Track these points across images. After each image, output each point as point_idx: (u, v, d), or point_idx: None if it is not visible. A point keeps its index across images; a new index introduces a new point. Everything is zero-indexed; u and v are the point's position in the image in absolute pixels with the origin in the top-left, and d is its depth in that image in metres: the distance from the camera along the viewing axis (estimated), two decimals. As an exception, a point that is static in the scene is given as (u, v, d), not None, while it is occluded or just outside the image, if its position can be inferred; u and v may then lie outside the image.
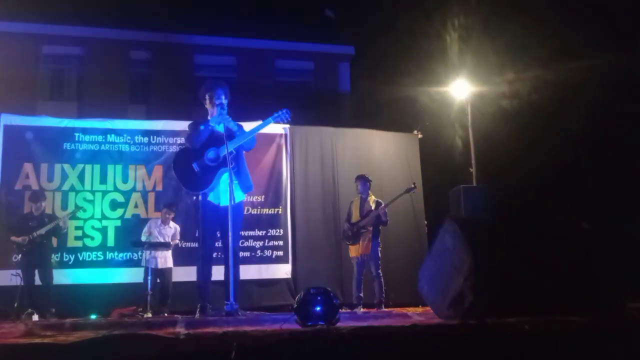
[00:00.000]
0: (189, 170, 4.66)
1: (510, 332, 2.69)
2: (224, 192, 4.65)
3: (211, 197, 4.76)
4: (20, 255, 7.01)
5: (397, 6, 17.55)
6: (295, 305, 2.81)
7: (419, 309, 6.40)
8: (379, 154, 9.18)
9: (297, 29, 16.37)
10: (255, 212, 8.47)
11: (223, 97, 4.82)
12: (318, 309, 2.72)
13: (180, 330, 2.59)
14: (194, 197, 4.87)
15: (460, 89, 11.60)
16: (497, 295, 3.25)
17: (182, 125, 8.58)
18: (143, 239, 7.37)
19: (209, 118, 4.88)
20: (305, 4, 17.27)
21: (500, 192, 10.61)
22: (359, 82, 16.80)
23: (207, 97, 4.87)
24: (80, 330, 2.88)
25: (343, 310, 4.24)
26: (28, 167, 7.80)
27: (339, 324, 2.77)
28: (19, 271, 6.87)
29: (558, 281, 3.42)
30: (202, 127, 4.73)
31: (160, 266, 7.31)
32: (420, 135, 9.65)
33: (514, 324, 2.80)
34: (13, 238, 6.91)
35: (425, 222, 9.23)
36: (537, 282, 3.38)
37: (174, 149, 8.30)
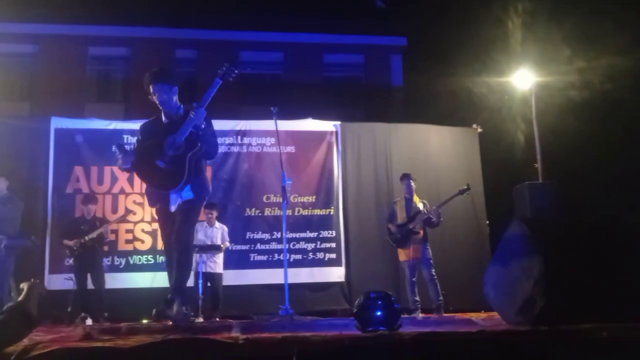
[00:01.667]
0: (156, 170, 4.20)
1: (587, 338, 2.63)
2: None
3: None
4: (72, 259, 7.31)
5: (452, -8, 17.30)
6: (355, 310, 2.82)
7: (483, 315, 6.31)
8: (435, 150, 9.08)
9: (346, 21, 16.36)
10: (306, 213, 8.54)
11: (164, 93, 4.27)
12: (379, 313, 2.73)
13: (238, 334, 2.66)
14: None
15: (523, 79, 11.33)
16: (570, 300, 3.18)
17: (231, 124, 8.79)
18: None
19: (157, 118, 4.46)
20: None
21: (568, 189, 10.30)
22: (412, 74, 16.64)
23: (150, 94, 4.35)
24: (136, 334, 2.99)
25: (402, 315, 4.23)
26: (78, 170, 8.12)
27: (400, 330, 2.77)
28: (72, 275, 7.17)
29: (633, 285, 3.32)
30: (152, 125, 4.41)
31: (210, 270, 7.45)
32: (480, 130, 9.48)
33: (590, 331, 2.73)
34: (65, 242, 7.21)
35: (487, 222, 9.07)
36: (611, 286, 3.28)
37: (223, 149, 8.46)
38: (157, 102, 4.30)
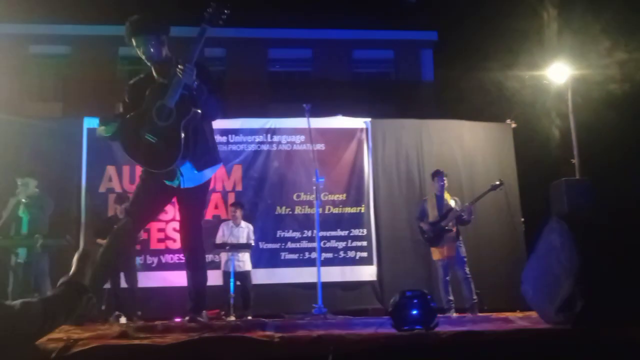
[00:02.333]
0: (145, 144, 3.48)
1: (631, 340, 2.58)
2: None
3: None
4: (106, 258, 7.44)
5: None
6: (390, 309, 2.82)
7: (519, 314, 6.22)
8: (468, 146, 8.99)
9: (375, 16, 16.32)
10: (337, 212, 8.56)
11: (149, 46, 3.59)
12: (415, 312, 2.72)
13: (273, 333, 2.68)
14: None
15: (558, 73, 11.13)
16: (612, 300, 3.12)
17: (260, 122, 8.86)
18: (217, 242, 7.63)
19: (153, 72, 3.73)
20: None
21: (606, 186, 10.09)
22: (443, 69, 16.52)
23: (129, 43, 3.66)
24: (171, 332, 3.03)
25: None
26: (111, 170, 8.28)
27: (437, 329, 2.77)
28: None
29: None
30: (142, 85, 3.68)
31: (239, 269, 7.53)
32: (514, 125, 9.35)
33: (635, 332, 2.68)
34: (99, 241, 7.33)
35: (522, 220, 8.95)
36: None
37: (252, 147, 8.56)
38: (142, 57, 3.63)
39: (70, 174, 8.21)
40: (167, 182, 3.57)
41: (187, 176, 3.58)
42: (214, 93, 3.62)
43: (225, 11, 3.59)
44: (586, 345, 2.59)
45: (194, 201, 3.76)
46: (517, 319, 4.36)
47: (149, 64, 3.64)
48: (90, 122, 8.43)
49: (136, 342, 2.43)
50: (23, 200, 6.56)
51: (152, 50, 3.56)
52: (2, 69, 15.23)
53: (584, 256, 3.07)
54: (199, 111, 3.53)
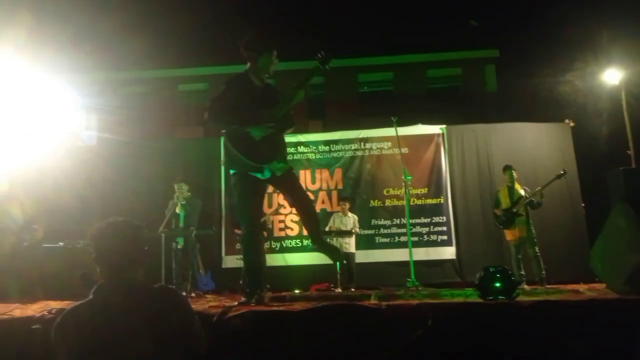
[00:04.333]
0: (250, 138, 3.26)
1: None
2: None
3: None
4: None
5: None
6: (476, 282, 2.73)
7: (584, 286, 5.80)
8: (531, 145, 8.51)
9: (445, 40, 15.88)
10: (420, 203, 8.44)
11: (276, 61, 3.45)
12: (498, 285, 2.62)
13: (378, 302, 2.68)
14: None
15: (612, 76, 10.23)
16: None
17: (355, 134, 8.91)
18: (327, 229, 7.73)
19: (250, 75, 3.45)
20: (451, 17, 16.67)
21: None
22: (505, 80, 15.75)
23: (265, 52, 3.41)
24: (297, 301, 3.11)
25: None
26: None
27: (518, 299, 2.64)
28: (241, 256, 7.60)
29: None
30: (243, 87, 3.41)
31: (345, 250, 7.57)
32: (572, 124, 8.72)
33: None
34: (236, 231, 7.68)
35: (583, 205, 8.34)
36: None
37: (349, 153, 8.64)
38: (260, 66, 3.41)
39: (212, 180, 8.65)
40: (259, 176, 3.33)
41: (277, 167, 3.37)
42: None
43: (332, 59, 3.46)
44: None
45: (291, 180, 3.52)
46: (586, 290, 4.07)
47: (267, 73, 3.48)
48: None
49: (274, 308, 2.52)
50: (182, 202, 6.94)
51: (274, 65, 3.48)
52: (159, 103, 16.35)
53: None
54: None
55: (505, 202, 6.83)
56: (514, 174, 6.89)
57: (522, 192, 6.77)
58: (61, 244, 5.86)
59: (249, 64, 3.46)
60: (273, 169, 3.33)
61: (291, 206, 3.73)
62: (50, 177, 7.57)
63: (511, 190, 6.83)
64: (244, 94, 3.36)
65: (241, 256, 7.39)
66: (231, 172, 3.42)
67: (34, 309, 2.96)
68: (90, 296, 1.67)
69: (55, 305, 3.17)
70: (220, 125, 3.59)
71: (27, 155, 7.70)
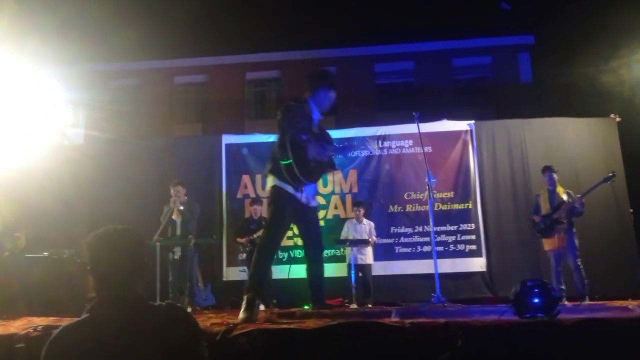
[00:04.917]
0: (306, 158, 3.83)
1: None
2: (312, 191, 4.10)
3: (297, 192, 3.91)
4: (244, 254, 7.80)
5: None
6: (512, 298, 2.71)
7: (633, 302, 5.72)
8: (572, 142, 8.44)
9: (473, 25, 15.80)
10: (445, 208, 8.37)
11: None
12: (536, 300, 2.59)
13: (400, 319, 2.67)
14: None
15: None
16: None
17: (372, 130, 8.90)
18: (342, 238, 7.73)
19: (309, 110, 4.01)
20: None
21: None
22: (541, 69, 15.61)
23: (327, 95, 4.03)
24: (309, 318, 3.11)
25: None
26: (246, 179, 8.67)
27: (559, 317, 2.61)
28: (245, 268, 7.64)
29: None
30: (305, 115, 3.95)
31: (361, 262, 7.56)
32: (618, 119, 8.61)
33: None
34: (238, 239, 7.72)
35: (631, 211, 8.23)
36: None
37: (365, 153, 8.59)
38: (320, 104, 3.99)
39: (213, 183, 8.68)
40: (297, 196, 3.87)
41: (312, 195, 4.04)
42: None
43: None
44: None
45: (315, 217, 4.23)
46: (635, 306, 4.02)
47: (323, 110, 4.01)
48: (228, 139, 8.89)
49: (284, 326, 2.52)
50: (179, 207, 6.97)
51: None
52: (153, 98, 16.49)
53: None
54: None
55: (544, 207, 6.79)
56: (555, 176, 6.83)
57: (565, 197, 6.71)
58: (45, 253, 5.92)
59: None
60: (309, 196, 3.92)
61: (305, 241, 4.25)
62: (33, 179, 7.65)
63: (552, 194, 6.80)
64: (308, 117, 3.93)
65: (244, 268, 7.51)
66: (277, 182, 3.87)
67: (17, 326, 2.99)
68: (86, 314, 1.66)
69: (40, 322, 3.21)
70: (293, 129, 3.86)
71: (7, 155, 7.80)
